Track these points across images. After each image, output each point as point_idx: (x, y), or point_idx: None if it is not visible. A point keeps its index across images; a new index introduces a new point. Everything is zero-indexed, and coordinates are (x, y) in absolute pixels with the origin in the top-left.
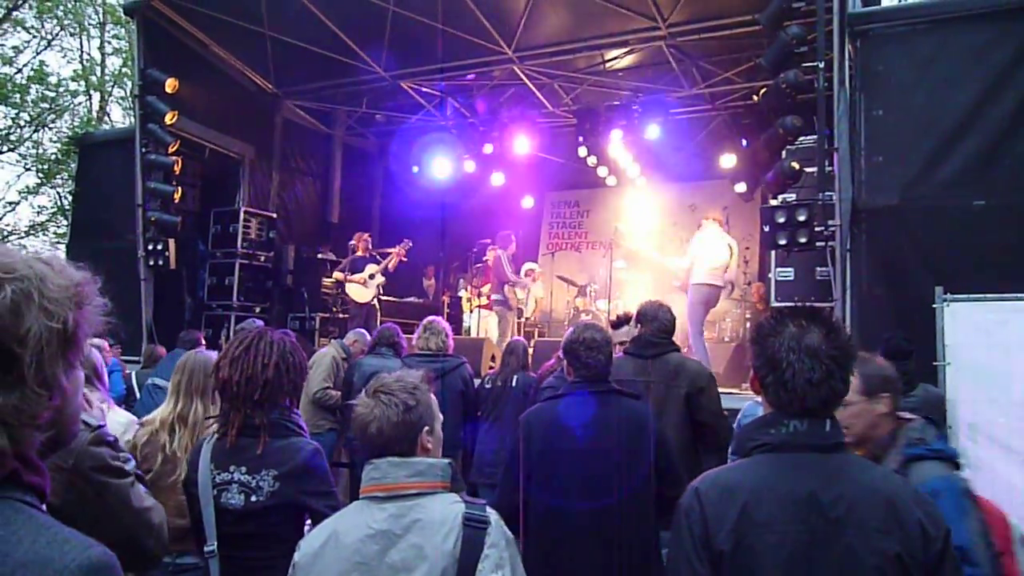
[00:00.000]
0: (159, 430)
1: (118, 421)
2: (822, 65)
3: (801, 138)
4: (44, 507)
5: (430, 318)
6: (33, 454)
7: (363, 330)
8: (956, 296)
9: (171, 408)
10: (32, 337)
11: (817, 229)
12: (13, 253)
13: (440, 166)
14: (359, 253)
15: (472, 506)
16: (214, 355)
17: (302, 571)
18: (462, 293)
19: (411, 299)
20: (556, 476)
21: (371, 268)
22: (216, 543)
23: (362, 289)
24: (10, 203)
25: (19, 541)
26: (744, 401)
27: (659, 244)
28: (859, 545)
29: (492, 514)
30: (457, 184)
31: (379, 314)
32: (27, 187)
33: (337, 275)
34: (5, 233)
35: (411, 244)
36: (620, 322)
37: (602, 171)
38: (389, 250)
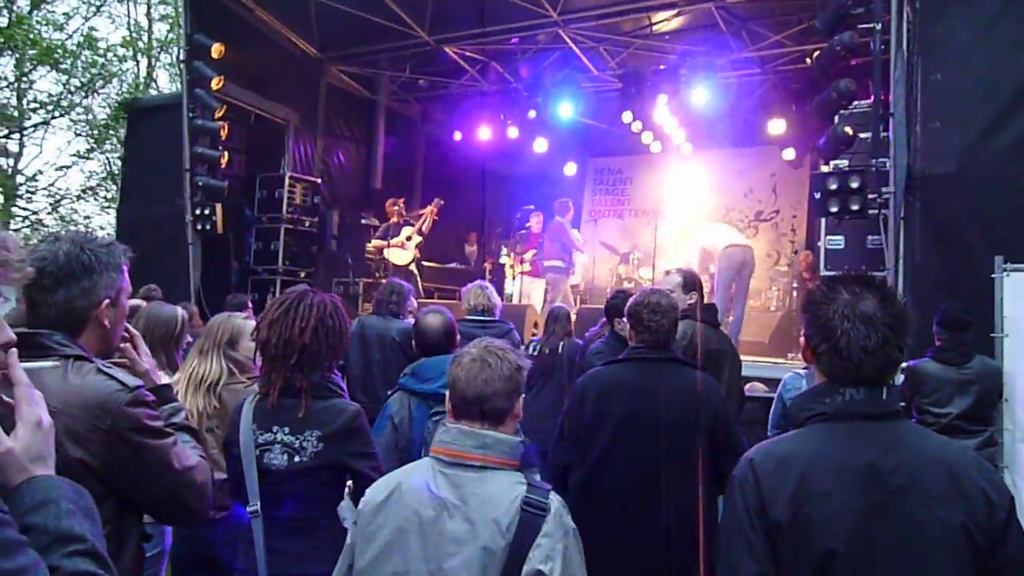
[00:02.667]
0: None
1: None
2: (879, 27)
3: (855, 103)
4: None
5: (479, 281)
6: None
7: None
8: (1016, 266)
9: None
10: None
11: (870, 196)
12: None
13: (483, 131)
14: (394, 219)
15: (534, 490)
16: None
17: (363, 518)
18: (504, 259)
19: (453, 265)
20: (607, 441)
21: (407, 230)
22: (259, 503)
23: (400, 252)
24: (62, 167)
25: None
26: (788, 372)
27: (704, 212)
28: (921, 515)
29: (554, 501)
30: (500, 149)
31: (419, 278)
32: (78, 152)
33: (377, 243)
34: (58, 197)
35: (442, 202)
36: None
37: (647, 137)
38: (422, 211)
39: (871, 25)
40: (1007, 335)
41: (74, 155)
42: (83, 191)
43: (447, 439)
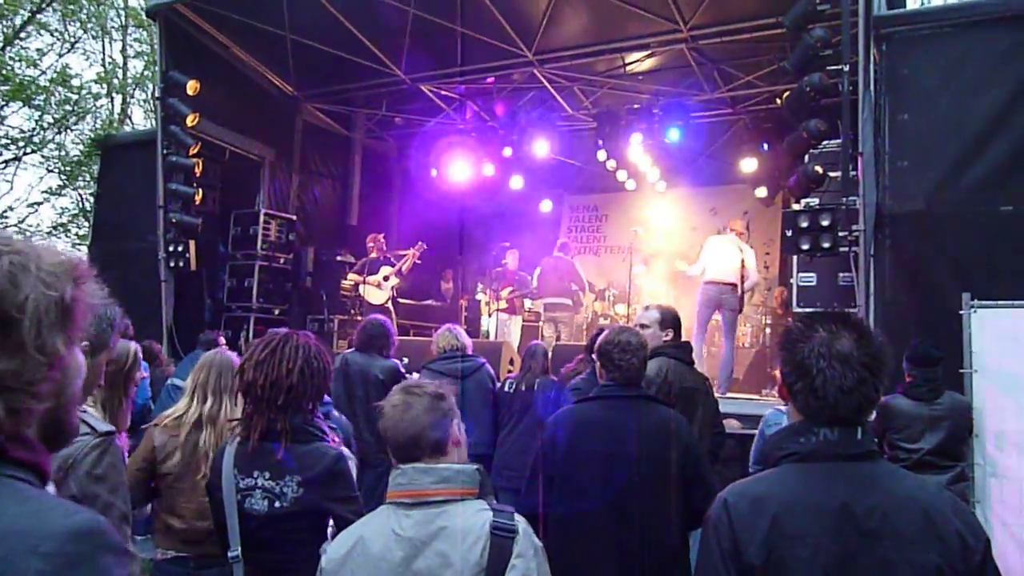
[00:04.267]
0: (181, 428)
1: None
2: (847, 68)
3: (825, 142)
4: (46, 487)
5: (448, 325)
6: (27, 432)
7: None
8: (983, 303)
9: (195, 405)
10: (30, 304)
11: (840, 234)
12: (10, 234)
13: (459, 169)
14: (373, 255)
15: (500, 514)
16: (236, 356)
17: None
18: (480, 296)
19: (429, 302)
20: (579, 480)
21: (385, 270)
22: (240, 548)
23: (376, 291)
24: (33, 204)
25: (2, 513)
26: (764, 408)
27: (678, 249)
28: (896, 558)
29: (520, 523)
30: (476, 187)
31: (395, 316)
32: (50, 189)
33: (353, 277)
34: (28, 234)
35: (425, 246)
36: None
37: (621, 175)
38: (404, 252)
39: (839, 67)
40: (976, 371)
41: (46, 192)
42: (54, 228)
43: (403, 481)
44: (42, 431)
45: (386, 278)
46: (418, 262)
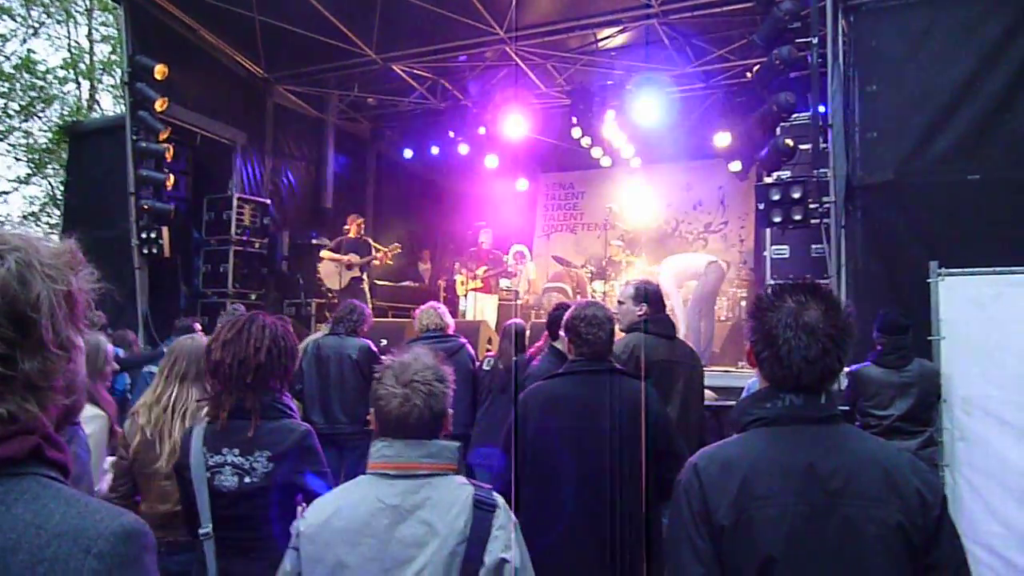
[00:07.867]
0: (136, 414)
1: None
2: (815, 41)
3: (795, 115)
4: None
5: (431, 303)
6: (52, 430)
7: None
8: (951, 270)
9: (153, 392)
10: (44, 302)
11: (812, 206)
12: (6, 230)
13: (433, 149)
14: (352, 235)
15: (480, 490)
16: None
17: (307, 540)
18: (457, 276)
19: (407, 283)
20: (551, 456)
21: (352, 257)
22: (211, 525)
23: (335, 276)
24: (2, 193)
25: (51, 514)
26: (739, 380)
27: (655, 224)
28: (858, 516)
29: (499, 498)
30: (451, 166)
31: (368, 297)
32: (18, 177)
33: (324, 253)
34: None
35: (400, 248)
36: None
37: (596, 152)
38: (381, 247)
39: (808, 39)
40: (944, 338)
41: (14, 180)
42: (24, 217)
43: (390, 453)
44: (58, 417)
45: (348, 267)
46: (389, 262)
